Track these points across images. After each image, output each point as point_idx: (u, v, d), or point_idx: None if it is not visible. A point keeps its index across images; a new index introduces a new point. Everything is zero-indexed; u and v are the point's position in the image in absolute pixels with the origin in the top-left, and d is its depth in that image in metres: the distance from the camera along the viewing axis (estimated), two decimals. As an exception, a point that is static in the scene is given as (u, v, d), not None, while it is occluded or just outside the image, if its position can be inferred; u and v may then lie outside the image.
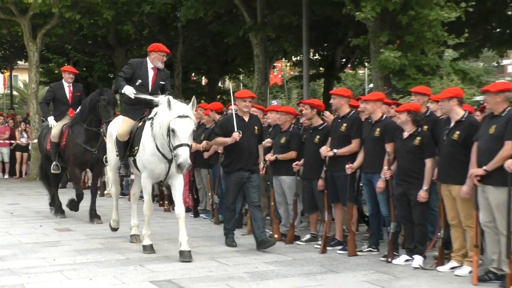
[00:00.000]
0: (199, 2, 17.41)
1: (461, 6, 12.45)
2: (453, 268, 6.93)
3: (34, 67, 18.80)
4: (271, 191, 8.97)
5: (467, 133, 6.78)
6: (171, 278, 6.55)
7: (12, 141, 18.88)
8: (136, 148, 8.00)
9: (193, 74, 27.12)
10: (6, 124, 19.05)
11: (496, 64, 31.36)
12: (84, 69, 25.41)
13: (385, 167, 7.52)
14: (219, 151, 10.02)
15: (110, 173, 9.44)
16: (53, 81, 27.06)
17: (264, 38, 17.76)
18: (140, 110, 8.28)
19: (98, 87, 10.58)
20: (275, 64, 25.21)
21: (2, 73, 30.69)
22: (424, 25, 12.43)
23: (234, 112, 8.27)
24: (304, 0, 16.36)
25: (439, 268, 7.03)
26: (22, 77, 42.06)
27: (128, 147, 8.23)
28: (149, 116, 7.91)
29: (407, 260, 7.32)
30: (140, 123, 8.15)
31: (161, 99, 7.61)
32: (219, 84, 29.66)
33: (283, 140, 8.97)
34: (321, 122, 8.70)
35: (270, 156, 8.86)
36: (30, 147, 18.77)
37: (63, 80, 11.02)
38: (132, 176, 9.50)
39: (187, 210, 10.02)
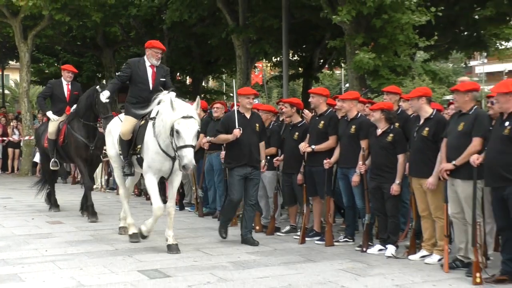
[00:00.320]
0: (184, 5, 17.37)
1: (431, 11, 12.55)
2: (423, 256, 7.03)
3: (25, 67, 18.65)
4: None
5: (435, 130, 6.87)
6: (158, 268, 6.56)
7: (4, 138, 18.72)
8: (139, 146, 7.65)
9: (178, 74, 26.99)
10: (-1, 122, 18.92)
11: (464, 65, 31.66)
12: (74, 69, 25.15)
13: (360, 162, 7.59)
14: (205, 147, 10.04)
15: (115, 173, 8.79)
16: (43, 81, 26.92)
17: (246, 39, 17.76)
18: (142, 109, 7.83)
19: (95, 82, 10.42)
20: (256, 64, 25.19)
21: (-6, 72, 30.34)
22: (396, 28, 12.50)
23: (236, 109, 8.04)
24: (284, 4, 16.38)
25: (411, 257, 7.12)
26: (14, 77, 41.52)
27: (131, 145, 7.89)
28: (151, 116, 7.55)
29: (380, 250, 7.40)
30: (143, 122, 7.78)
31: (164, 97, 7.32)
32: (203, 84, 29.55)
33: (264, 136, 8.98)
34: (300, 119, 8.75)
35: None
36: (21, 144, 18.67)
37: (62, 78, 10.77)
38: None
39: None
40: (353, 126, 7.82)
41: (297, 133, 8.52)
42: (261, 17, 17.44)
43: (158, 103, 7.43)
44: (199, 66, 24.55)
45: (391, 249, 7.27)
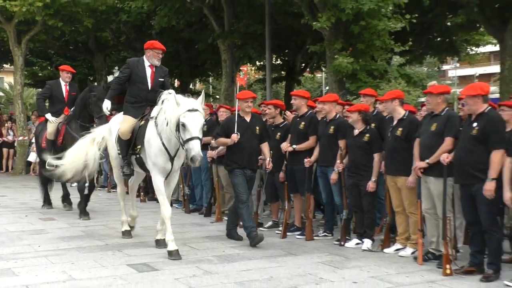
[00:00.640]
0: (172, 12, 17.34)
1: (406, 18, 12.67)
2: (397, 249, 7.09)
3: (19, 70, 18.50)
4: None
5: (408, 130, 6.93)
6: (146, 262, 6.56)
7: (-1, 138, 18.58)
8: (139, 146, 7.35)
9: (166, 77, 26.91)
10: (-7, 123, 18.75)
11: (437, 69, 31.93)
12: (66, 72, 24.97)
13: (338, 161, 7.63)
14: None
15: (114, 174, 8.46)
16: (37, 83, 26.70)
17: (231, 44, 17.77)
18: (141, 108, 7.65)
19: (87, 84, 10.27)
20: (241, 68, 25.15)
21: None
22: (373, 34, 12.60)
23: (237, 113, 7.90)
24: (267, 10, 16.41)
25: (385, 250, 7.17)
26: (8, 79, 41.18)
27: (131, 145, 7.56)
28: (151, 115, 7.26)
29: (357, 244, 7.45)
30: (142, 122, 7.47)
31: (168, 96, 6.96)
32: (191, 86, 29.48)
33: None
34: (282, 120, 8.78)
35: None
36: (16, 144, 18.52)
37: (60, 79, 10.51)
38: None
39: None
40: (332, 127, 7.87)
41: (279, 133, 8.54)
42: (245, 23, 17.46)
43: (162, 103, 7.10)
44: (186, 69, 24.48)
45: (367, 243, 7.32)
